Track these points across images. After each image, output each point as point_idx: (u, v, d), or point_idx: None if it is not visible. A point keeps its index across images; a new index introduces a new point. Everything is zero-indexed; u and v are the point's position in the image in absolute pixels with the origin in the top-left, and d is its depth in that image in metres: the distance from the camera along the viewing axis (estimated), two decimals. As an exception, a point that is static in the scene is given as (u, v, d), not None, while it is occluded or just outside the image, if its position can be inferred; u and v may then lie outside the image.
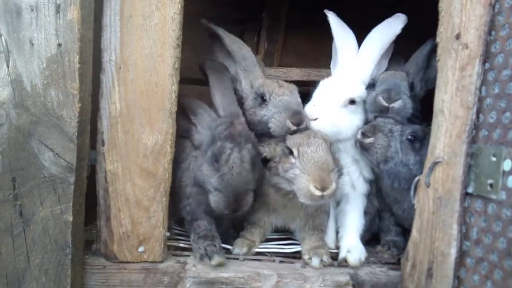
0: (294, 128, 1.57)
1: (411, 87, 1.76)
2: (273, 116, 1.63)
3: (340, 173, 1.51)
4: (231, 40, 1.82)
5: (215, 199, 1.45)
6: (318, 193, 1.36)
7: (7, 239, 1.30)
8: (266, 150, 1.62)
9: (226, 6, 1.85)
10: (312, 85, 2.06)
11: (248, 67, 1.81)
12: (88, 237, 1.49)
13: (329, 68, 2.23)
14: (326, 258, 1.52)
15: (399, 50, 1.96)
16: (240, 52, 1.80)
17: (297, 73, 2.27)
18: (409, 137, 1.61)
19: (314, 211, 1.62)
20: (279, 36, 2.65)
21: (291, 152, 1.49)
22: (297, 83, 1.92)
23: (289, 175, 1.45)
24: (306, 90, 2.09)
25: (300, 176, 1.42)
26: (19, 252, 1.31)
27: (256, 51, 2.64)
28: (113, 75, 1.39)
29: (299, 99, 1.73)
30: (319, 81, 1.95)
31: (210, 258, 1.46)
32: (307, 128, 1.62)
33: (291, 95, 1.70)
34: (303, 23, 2.57)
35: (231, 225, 1.82)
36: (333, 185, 1.38)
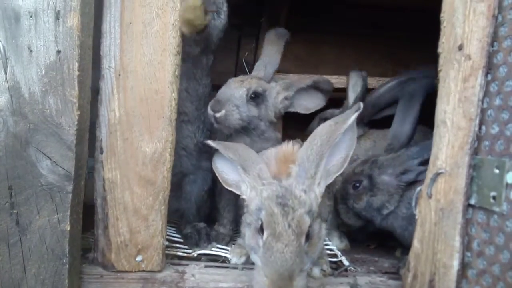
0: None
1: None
2: None
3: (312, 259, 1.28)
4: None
5: None
6: None
7: (3, 248, 1.27)
8: (244, 191, 1.39)
9: (225, 11, 1.84)
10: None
11: None
12: (84, 245, 1.47)
13: (327, 73, 2.23)
14: (326, 268, 1.51)
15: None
16: None
17: (295, 79, 2.27)
18: (355, 185, 1.73)
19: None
20: (277, 42, 2.64)
21: (261, 230, 1.24)
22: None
23: (253, 252, 1.29)
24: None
25: (259, 271, 1.22)
26: (15, 261, 1.28)
27: (254, 57, 2.63)
28: (113, 82, 1.38)
29: None
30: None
31: None
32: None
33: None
34: (302, 29, 2.56)
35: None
36: None
